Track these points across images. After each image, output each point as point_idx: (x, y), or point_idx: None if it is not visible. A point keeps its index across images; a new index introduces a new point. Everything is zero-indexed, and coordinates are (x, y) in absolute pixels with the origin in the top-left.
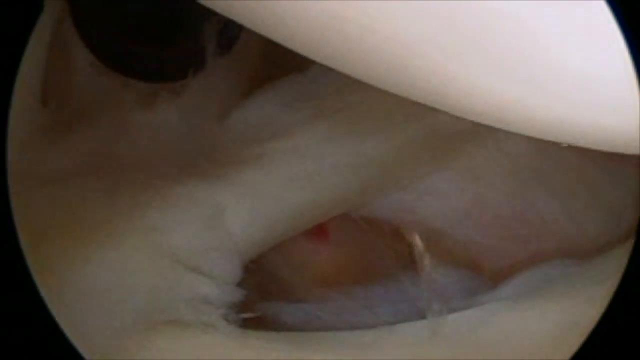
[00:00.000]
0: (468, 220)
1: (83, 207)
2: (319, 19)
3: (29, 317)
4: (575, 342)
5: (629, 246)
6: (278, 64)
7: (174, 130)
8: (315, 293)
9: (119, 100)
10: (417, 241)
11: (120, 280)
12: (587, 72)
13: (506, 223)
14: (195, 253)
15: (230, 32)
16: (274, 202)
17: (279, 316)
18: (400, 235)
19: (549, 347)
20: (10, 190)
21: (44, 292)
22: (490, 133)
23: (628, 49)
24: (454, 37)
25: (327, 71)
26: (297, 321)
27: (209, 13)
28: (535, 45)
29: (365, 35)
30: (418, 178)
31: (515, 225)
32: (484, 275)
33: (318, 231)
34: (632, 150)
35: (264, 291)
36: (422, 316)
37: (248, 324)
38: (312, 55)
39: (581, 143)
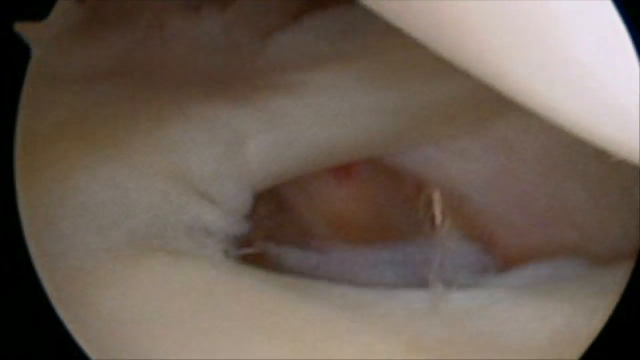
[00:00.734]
0: (493, 189)
1: (98, 115)
2: None
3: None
4: (571, 353)
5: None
6: None
7: (213, 44)
8: (325, 239)
9: (161, 5)
10: (437, 197)
11: (122, 197)
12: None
13: (530, 201)
14: (207, 177)
15: None
16: (299, 134)
17: (281, 258)
18: (421, 192)
19: (546, 352)
20: (24, 93)
21: (40, 201)
22: None
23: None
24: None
25: None
26: (298, 266)
27: None
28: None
29: None
30: (451, 137)
31: (538, 205)
32: (496, 251)
33: (342, 169)
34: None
35: (272, 226)
36: (424, 285)
37: (247, 260)
38: None
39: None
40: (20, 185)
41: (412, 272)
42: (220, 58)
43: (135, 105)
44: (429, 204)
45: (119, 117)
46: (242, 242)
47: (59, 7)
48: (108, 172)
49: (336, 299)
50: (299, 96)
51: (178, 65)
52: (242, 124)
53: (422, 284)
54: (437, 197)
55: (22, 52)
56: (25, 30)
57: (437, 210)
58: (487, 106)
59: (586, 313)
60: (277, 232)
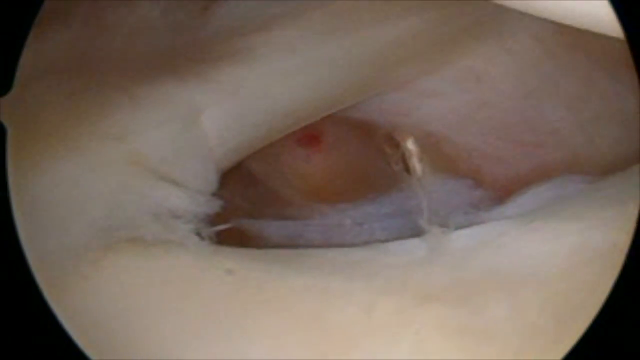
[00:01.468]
0: (470, 124)
1: (44, 112)
2: None
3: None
4: (597, 266)
5: None
6: None
7: (153, 27)
8: (303, 206)
9: None
10: (410, 145)
11: (76, 192)
12: None
13: (510, 128)
14: (166, 159)
15: None
16: (254, 101)
17: (261, 233)
18: (396, 141)
19: (567, 271)
20: None
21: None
22: (494, 31)
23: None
24: None
25: None
26: (279, 238)
27: None
28: None
29: None
30: (415, 77)
31: (520, 131)
32: (486, 187)
33: (309, 137)
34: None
35: (245, 203)
36: (418, 233)
37: (225, 241)
38: None
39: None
40: None
41: (401, 222)
42: (162, 39)
43: (79, 98)
44: (404, 151)
45: (64, 112)
46: (216, 219)
47: None
48: (59, 169)
49: (325, 263)
50: (246, 62)
51: (120, 53)
52: (193, 99)
53: (415, 233)
54: (410, 143)
55: None
56: None
57: (414, 156)
58: (444, 41)
59: (599, 226)
60: (252, 208)
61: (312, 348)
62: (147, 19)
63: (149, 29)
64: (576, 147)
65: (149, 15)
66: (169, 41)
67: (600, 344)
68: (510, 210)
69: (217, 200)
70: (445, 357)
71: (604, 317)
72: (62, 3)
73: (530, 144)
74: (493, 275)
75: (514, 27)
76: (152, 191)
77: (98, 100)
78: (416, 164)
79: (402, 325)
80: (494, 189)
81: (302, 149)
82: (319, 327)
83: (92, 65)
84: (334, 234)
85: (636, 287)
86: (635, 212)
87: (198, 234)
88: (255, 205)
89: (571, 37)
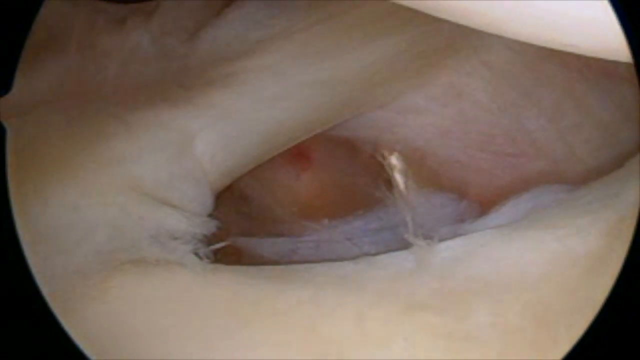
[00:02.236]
0: (451, 138)
1: (42, 143)
2: None
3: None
4: (575, 271)
5: (624, 174)
6: None
7: (144, 54)
8: (295, 223)
9: (88, 25)
10: (394, 161)
11: (78, 218)
12: None
13: (492, 141)
14: (162, 184)
15: None
16: (246, 124)
17: (256, 251)
18: (380, 157)
19: (546, 277)
20: None
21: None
22: (471, 45)
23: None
24: None
25: None
26: (274, 255)
27: None
28: None
29: None
30: (397, 95)
31: (502, 144)
32: (470, 199)
33: (299, 156)
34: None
35: (240, 222)
36: (405, 246)
37: (221, 259)
38: None
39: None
40: None
41: (389, 236)
42: (153, 67)
43: (76, 126)
44: (389, 167)
45: (62, 140)
46: (213, 239)
47: None
48: (60, 196)
49: (318, 277)
50: (235, 86)
51: (114, 81)
52: (185, 124)
53: (402, 246)
54: (394, 159)
55: None
56: None
57: (397, 172)
58: (423, 58)
59: (578, 232)
60: (247, 227)
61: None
62: (138, 47)
63: (140, 57)
64: (556, 156)
65: (139, 43)
66: (160, 68)
67: (601, 343)
68: (492, 221)
69: (212, 220)
70: None
71: (604, 317)
72: (55, 28)
73: (511, 154)
74: (476, 283)
75: (491, 40)
76: (151, 214)
77: (94, 128)
78: (400, 179)
79: (392, 333)
80: (478, 200)
81: (292, 168)
82: (313, 338)
83: (88, 94)
84: (325, 249)
85: (636, 287)
86: (613, 219)
87: (196, 254)
88: (249, 223)
89: (548, 47)
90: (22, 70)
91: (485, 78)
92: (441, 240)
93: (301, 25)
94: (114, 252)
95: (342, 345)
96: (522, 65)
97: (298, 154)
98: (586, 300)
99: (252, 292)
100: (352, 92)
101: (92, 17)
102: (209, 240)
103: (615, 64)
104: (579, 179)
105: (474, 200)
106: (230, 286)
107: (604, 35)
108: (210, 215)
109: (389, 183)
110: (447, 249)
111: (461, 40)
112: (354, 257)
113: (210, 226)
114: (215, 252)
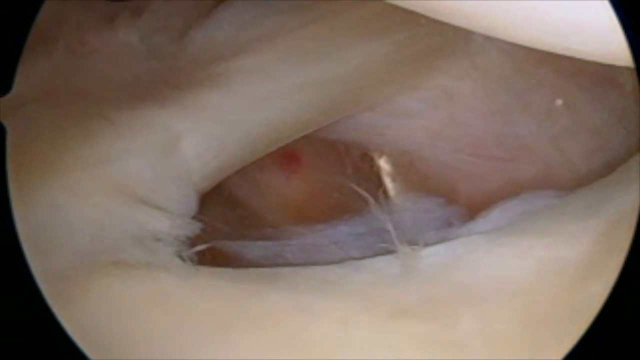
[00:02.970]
0: (442, 142)
1: (26, 142)
2: None
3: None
4: (561, 283)
5: (615, 180)
6: None
7: (133, 53)
8: (282, 226)
9: (76, 22)
10: (383, 164)
11: (60, 218)
12: None
13: (482, 145)
14: (146, 184)
15: None
16: (231, 124)
17: (241, 254)
18: (369, 160)
19: (534, 284)
20: None
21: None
22: (463, 49)
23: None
24: None
25: None
26: (259, 258)
27: None
28: None
29: None
30: (387, 97)
31: (492, 147)
32: (459, 203)
33: (289, 157)
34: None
35: (225, 224)
36: (392, 250)
37: (205, 262)
38: None
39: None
40: None
41: (375, 241)
42: (142, 65)
43: (61, 125)
44: (378, 170)
45: (47, 139)
46: (196, 243)
47: None
48: (44, 195)
49: (302, 281)
50: (223, 86)
51: (101, 80)
52: (172, 124)
53: (388, 251)
54: (382, 162)
55: None
56: None
57: (386, 175)
58: (413, 61)
59: (567, 239)
60: (232, 229)
61: None
62: (127, 44)
63: (129, 54)
64: (548, 161)
65: (128, 41)
66: (148, 67)
67: (600, 344)
68: (480, 227)
69: (197, 222)
70: None
71: (604, 317)
72: (44, 25)
73: (502, 159)
74: (463, 289)
75: (483, 43)
76: (134, 215)
77: (80, 128)
78: (388, 182)
79: (377, 340)
80: (468, 205)
81: (282, 171)
82: (298, 343)
83: (75, 93)
84: (311, 253)
85: (636, 287)
86: (604, 226)
87: (179, 256)
88: (235, 226)
89: (540, 51)
90: None
91: (476, 81)
92: (427, 245)
93: (291, 26)
94: (95, 253)
95: (326, 351)
96: (514, 69)
97: (288, 156)
98: (575, 308)
99: (235, 295)
100: (341, 94)
101: (80, 14)
102: (192, 242)
103: (609, 69)
104: (571, 184)
105: (463, 205)
106: (213, 289)
107: (606, 38)
108: (194, 217)
109: (378, 186)
110: (433, 254)
111: (453, 43)
112: (339, 262)
113: (194, 228)
114: (199, 255)
